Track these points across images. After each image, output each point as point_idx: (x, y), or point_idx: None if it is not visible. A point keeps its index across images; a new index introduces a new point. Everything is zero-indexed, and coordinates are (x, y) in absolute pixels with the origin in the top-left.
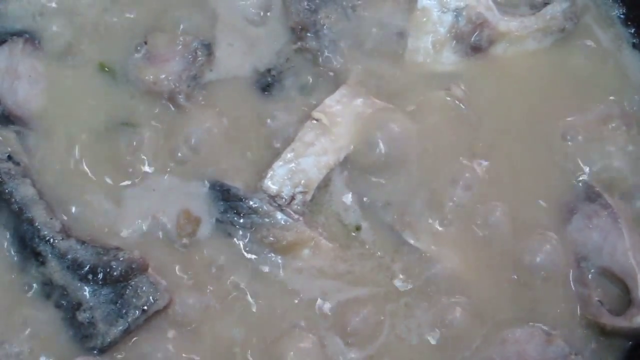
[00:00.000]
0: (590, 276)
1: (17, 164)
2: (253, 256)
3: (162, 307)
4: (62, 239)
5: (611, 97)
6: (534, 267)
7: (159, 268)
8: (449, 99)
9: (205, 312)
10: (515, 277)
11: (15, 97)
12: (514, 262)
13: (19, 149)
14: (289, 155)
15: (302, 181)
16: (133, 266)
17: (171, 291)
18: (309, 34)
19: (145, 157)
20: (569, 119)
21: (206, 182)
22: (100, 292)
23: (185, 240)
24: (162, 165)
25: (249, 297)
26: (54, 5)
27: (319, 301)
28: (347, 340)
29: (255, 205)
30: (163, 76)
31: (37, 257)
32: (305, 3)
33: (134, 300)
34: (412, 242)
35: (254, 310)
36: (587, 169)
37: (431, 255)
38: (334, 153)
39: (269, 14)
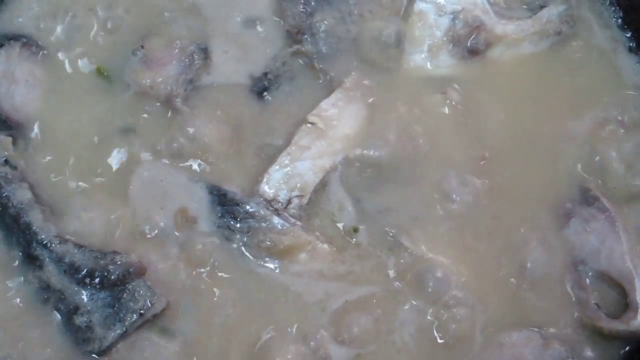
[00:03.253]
0: (587, 280)
1: (14, 168)
2: (250, 260)
3: (159, 311)
4: (59, 243)
5: (608, 100)
6: (531, 271)
7: (156, 271)
8: (445, 102)
9: (201, 315)
10: (513, 280)
11: (13, 102)
12: (511, 266)
13: (16, 153)
14: (285, 159)
15: (299, 185)
16: (130, 270)
17: (168, 294)
18: (305, 38)
19: (141, 160)
20: (565, 122)
21: (203, 186)
22: (97, 296)
23: (181, 243)
24: (159, 168)
25: (246, 301)
26: (50, 9)
27: (323, 303)
28: (346, 341)
29: (252, 210)
30: (160, 80)
31: (34, 262)
32: (301, 6)
33: (131, 304)
34: (409, 245)
35: (251, 314)
36: (584, 173)
37: (428, 259)
38: (329, 156)
39: (264, 17)
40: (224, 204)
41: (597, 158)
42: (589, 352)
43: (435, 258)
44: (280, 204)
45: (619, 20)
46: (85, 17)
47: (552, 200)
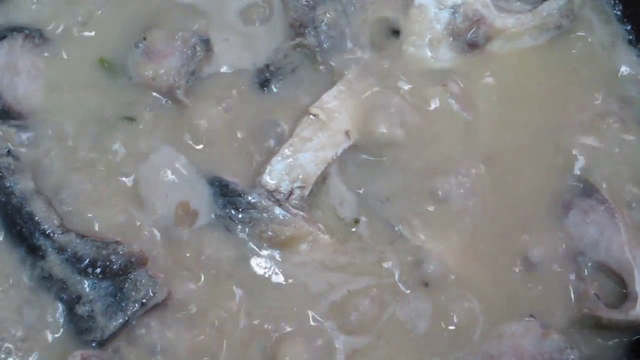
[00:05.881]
0: (586, 270)
1: (17, 158)
2: (252, 250)
3: (160, 301)
4: (62, 233)
5: (607, 93)
6: (530, 262)
7: (157, 261)
8: (445, 95)
9: (203, 306)
10: (512, 271)
11: (15, 93)
12: (510, 257)
13: (18, 144)
14: (287, 151)
15: (300, 176)
16: (132, 260)
17: (170, 284)
18: (307, 30)
19: (143, 152)
20: (565, 114)
21: (205, 177)
22: (99, 286)
23: (183, 234)
24: (161, 159)
25: (248, 291)
26: (53, 1)
27: (325, 293)
28: (347, 331)
29: (254, 201)
30: (162, 72)
31: (37, 251)
32: (304, 0)
33: (133, 293)
34: (409, 237)
35: (252, 304)
36: (583, 164)
37: (428, 250)
38: (331, 148)
39: (267, 11)
40: (226, 194)
41: (597, 149)
42: (587, 342)
43: (435, 249)
44: (282, 195)
45: (619, 14)
46: (87, 9)
47: (551, 191)
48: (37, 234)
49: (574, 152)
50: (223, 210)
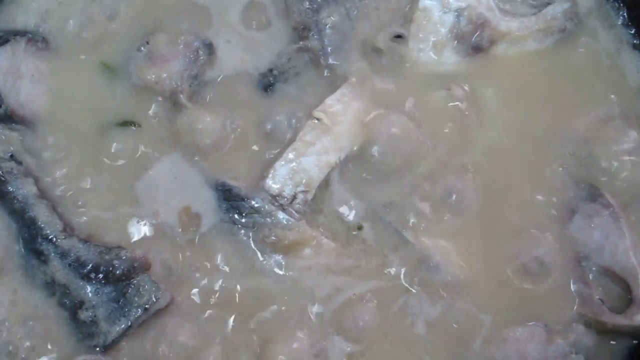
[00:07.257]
0: (591, 275)
1: (20, 163)
2: (255, 255)
3: (163, 306)
4: (65, 237)
5: (611, 97)
6: (535, 266)
7: (161, 266)
8: (450, 98)
9: (206, 310)
10: (517, 276)
11: (18, 97)
12: (515, 261)
13: (21, 148)
14: (290, 155)
15: (304, 180)
16: (135, 265)
17: (173, 289)
18: (310, 34)
19: (146, 156)
20: (569, 118)
21: (208, 181)
22: (102, 291)
23: (186, 239)
24: (164, 164)
25: (251, 296)
26: (55, 5)
27: (328, 298)
28: (350, 335)
29: (257, 205)
30: (165, 76)
31: (40, 256)
32: (307, 3)
33: (136, 298)
34: (413, 241)
35: (255, 309)
36: (587, 169)
37: (432, 255)
38: (335, 152)
39: (270, 14)
40: (229, 199)
41: (601, 154)
42: (592, 347)
43: (440, 253)
44: (285, 200)
45: (623, 18)
46: (90, 13)
47: (555, 196)
48: (39, 239)
49: (578, 155)
50: (226, 214)
